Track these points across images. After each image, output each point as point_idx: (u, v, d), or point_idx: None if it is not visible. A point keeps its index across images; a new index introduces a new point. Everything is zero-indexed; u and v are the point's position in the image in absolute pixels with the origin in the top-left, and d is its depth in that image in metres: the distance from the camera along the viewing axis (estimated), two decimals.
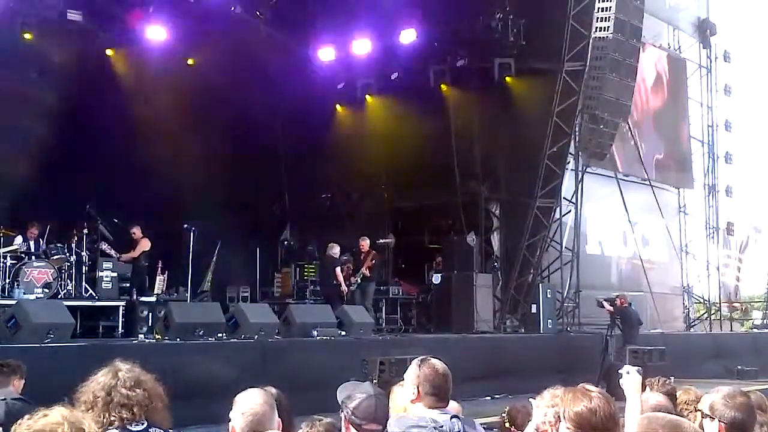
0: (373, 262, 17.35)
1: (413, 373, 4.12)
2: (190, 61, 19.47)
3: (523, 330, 18.47)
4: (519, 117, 18.75)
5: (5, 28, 16.14)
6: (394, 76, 19.97)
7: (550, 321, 18.17)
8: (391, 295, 19.21)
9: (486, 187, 19.17)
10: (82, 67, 17.58)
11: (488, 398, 14.25)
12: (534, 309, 18.14)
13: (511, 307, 18.74)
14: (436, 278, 18.70)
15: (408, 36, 18.90)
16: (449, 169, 19.05)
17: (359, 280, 17.12)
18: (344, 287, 17.03)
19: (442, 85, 19.23)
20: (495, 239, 19.34)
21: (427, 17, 18.73)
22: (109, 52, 17.90)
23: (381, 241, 20.34)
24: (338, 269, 17.16)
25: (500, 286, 18.93)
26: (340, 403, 3.97)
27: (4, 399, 4.95)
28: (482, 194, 19.12)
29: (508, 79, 18.36)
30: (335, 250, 17.39)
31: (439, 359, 4.23)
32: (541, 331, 17.94)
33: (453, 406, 4.15)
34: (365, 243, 17.52)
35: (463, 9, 18.31)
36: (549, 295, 18.34)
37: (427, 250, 20.35)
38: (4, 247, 13.96)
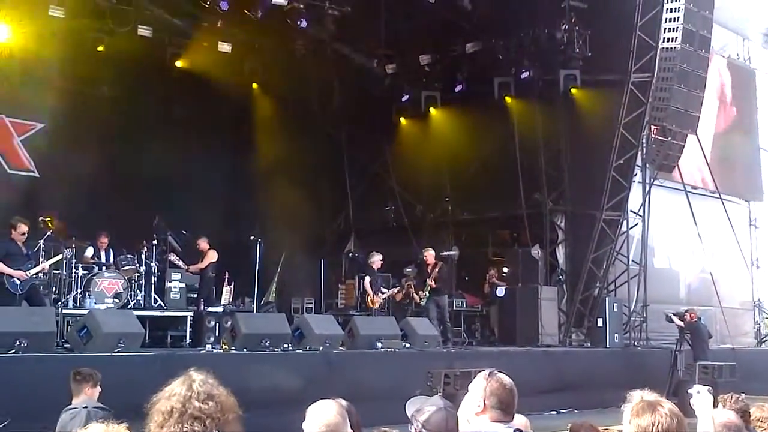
0: (439, 273, 16.94)
1: (480, 386, 4.11)
2: (254, 82, 19.75)
3: (588, 344, 18.22)
4: (585, 128, 18.55)
5: (78, 42, 16.61)
6: (458, 88, 19.95)
7: (616, 335, 17.91)
8: (454, 308, 19.16)
9: (551, 199, 19.02)
10: (149, 82, 17.95)
11: (554, 412, 14.14)
12: (600, 323, 17.90)
13: (576, 320, 18.51)
14: (500, 291, 18.61)
15: (472, 48, 18.87)
16: (513, 181, 18.96)
17: (428, 294, 16.76)
18: (372, 299, 16.74)
19: (507, 97, 19.15)
20: (560, 252, 19.15)
21: (491, 29, 18.70)
22: (179, 63, 18.21)
23: (445, 253, 20.30)
24: (367, 279, 16.96)
25: (565, 299, 18.73)
26: (409, 416, 3.95)
27: (86, 407, 5.07)
28: (547, 206, 18.97)
29: (573, 90, 18.21)
30: (374, 258, 17.15)
31: (505, 373, 4.22)
32: (608, 346, 17.69)
33: (520, 420, 4.13)
34: (429, 254, 17.17)
35: (527, 20, 18.24)
36: (615, 309, 18.08)
37: (491, 263, 20.28)
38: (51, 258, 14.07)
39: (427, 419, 3.85)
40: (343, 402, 4.00)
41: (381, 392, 11.05)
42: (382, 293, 17.09)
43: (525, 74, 18.80)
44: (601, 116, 18.15)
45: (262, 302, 17.81)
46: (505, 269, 19.52)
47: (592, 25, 17.68)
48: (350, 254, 22.05)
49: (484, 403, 4.03)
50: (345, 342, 14.15)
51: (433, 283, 16.73)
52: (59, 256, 13.77)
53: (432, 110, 20.81)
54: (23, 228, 12.74)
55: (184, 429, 3.28)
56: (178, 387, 3.34)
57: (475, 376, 4.22)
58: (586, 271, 18.24)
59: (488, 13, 18.35)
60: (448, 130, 20.61)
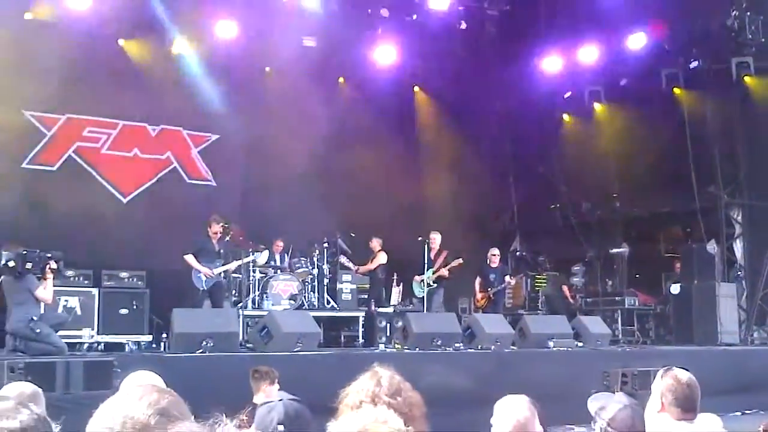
0: (449, 263, 16.14)
1: (656, 383, 4.09)
2: (415, 84, 20.00)
3: None
4: (761, 117, 17.71)
5: (248, 62, 17.44)
6: (623, 82, 19.47)
7: None
8: (626, 306, 18.75)
9: (726, 193, 18.22)
10: (313, 91, 18.41)
11: (738, 413, 13.57)
12: None
13: (758, 318, 17.71)
14: (675, 288, 18.01)
15: (637, 40, 18.34)
16: (685, 175, 18.26)
17: (434, 284, 15.98)
18: (477, 300, 16.99)
19: (675, 89, 18.53)
20: (738, 247, 18.34)
21: (657, 20, 18.13)
22: (341, 80, 18.70)
23: (614, 250, 19.92)
24: (477, 280, 17.62)
25: (745, 296, 17.94)
26: (593, 414, 3.90)
27: (281, 399, 5.29)
28: (722, 199, 18.16)
29: (746, 78, 17.40)
30: (489, 253, 17.39)
31: (684, 368, 4.16)
32: None
33: (710, 419, 4.04)
34: (434, 238, 16.33)
35: (695, 9, 17.56)
36: None
37: (663, 259, 19.67)
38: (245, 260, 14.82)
39: (612, 417, 3.74)
40: (526, 398, 4.02)
41: (554, 392, 10.88)
42: (492, 289, 17.08)
43: (694, 64, 18.12)
44: None
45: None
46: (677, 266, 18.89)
47: (766, 9, 16.84)
48: (516, 253, 21.93)
49: (662, 402, 3.99)
50: (516, 341, 14.13)
51: (446, 272, 16.15)
52: (248, 258, 14.55)
53: (597, 105, 20.43)
54: (216, 227, 13.77)
55: None
56: (367, 382, 3.47)
57: (654, 376, 4.19)
58: (767, 266, 17.42)
59: (653, 3, 17.81)
60: (614, 125, 20.13)
